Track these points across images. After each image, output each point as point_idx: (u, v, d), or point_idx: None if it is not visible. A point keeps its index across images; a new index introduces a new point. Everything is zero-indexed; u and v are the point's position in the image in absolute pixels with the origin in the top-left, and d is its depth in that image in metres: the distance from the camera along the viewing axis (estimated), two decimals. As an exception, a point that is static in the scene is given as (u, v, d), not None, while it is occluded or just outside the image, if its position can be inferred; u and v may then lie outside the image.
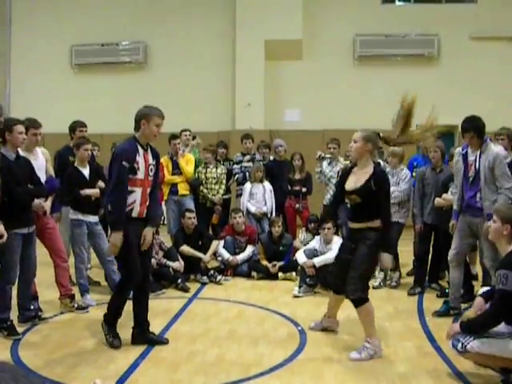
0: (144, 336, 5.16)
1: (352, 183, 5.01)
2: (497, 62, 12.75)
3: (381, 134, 5.20)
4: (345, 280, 4.96)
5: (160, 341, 5.19)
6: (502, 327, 4.14)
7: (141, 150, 4.94)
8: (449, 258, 6.02)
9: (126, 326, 5.23)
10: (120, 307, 5.13)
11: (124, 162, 4.78)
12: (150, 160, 5.05)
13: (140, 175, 4.92)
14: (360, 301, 4.85)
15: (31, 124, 5.71)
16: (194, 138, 9.57)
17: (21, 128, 5.35)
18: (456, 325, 4.37)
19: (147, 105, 5.14)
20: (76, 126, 7.21)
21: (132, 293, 5.20)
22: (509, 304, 4.01)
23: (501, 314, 4.08)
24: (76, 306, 6.16)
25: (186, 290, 7.17)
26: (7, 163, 5.21)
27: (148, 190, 5.04)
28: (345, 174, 5.22)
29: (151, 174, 5.06)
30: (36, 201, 5.63)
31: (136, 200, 4.93)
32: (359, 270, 4.85)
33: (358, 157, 5.06)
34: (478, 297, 4.56)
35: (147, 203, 5.05)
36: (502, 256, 4.40)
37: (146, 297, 5.28)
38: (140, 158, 4.91)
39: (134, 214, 4.95)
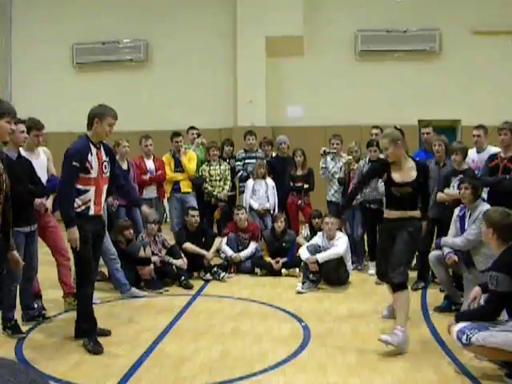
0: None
1: (400, 177, 5.20)
2: (498, 57, 12.72)
3: (398, 126, 5.36)
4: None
5: (103, 332, 5.21)
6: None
7: (93, 149, 4.96)
8: (429, 259, 6.22)
9: (127, 323, 5.25)
10: (88, 307, 5.10)
11: (74, 162, 4.82)
12: (104, 157, 5.07)
13: (93, 174, 4.94)
14: (401, 285, 4.99)
15: (34, 125, 5.72)
16: (198, 135, 9.58)
17: (22, 127, 5.37)
18: (478, 289, 4.54)
19: (102, 104, 5.15)
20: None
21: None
22: (501, 302, 4.20)
23: (493, 312, 4.24)
24: None
25: (189, 287, 7.18)
26: (9, 162, 5.21)
27: (104, 188, 5.08)
28: (383, 168, 5.39)
29: (105, 170, 5.08)
30: (37, 199, 5.65)
31: (91, 198, 4.96)
32: (401, 257, 5.03)
33: (396, 159, 5.22)
34: (476, 286, 4.61)
35: (103, 201, 5.13)
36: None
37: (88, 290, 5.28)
38: (92, 157, 4.93)
39: (91, 212, 4.99)
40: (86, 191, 4.92)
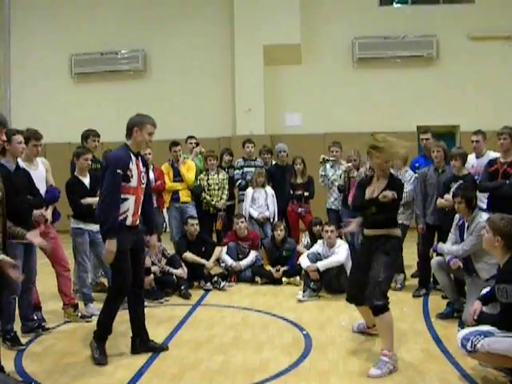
0: (145, 345, 5.13)
1: (368, 193, 5.02)
2: (496, 62, 12.76)
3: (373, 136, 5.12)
4: (363, 291, 4.82)
5: (161, 348, 5.18)
6: None
7: (133, 158, 4.93)
8: (432, 265, 6.17)
9: (127, 335, 5.21)
10: (111, 319, 5.02)
11: (118, 170, 4.76)
12: (141, 167, 5.05)
13: (133, 183, 4.90)
14: (380, 308, 4.66)
15: (32, 135, 5.70)
16: (197, 144, 9.56)
17: (20, 138, 5.36)
18: (477, 303, 4.46)
19: (140, 113, 5.14)
20: (89, 135, 7.18)
21: (128, 302, 5.16)
22: None
23: (509, 324, 4.10)
24: (80, 314, 6.14)
25: (187, 296, 7.14)
26: (7, 173, 5.20)
27: (141, 198, 5.03)
28: (364, 183, 5.22)
29: (143, 181, 5.05)
30: (37, 211, 5.62)
31: (129, 208, 4.90)
32: (379, 277, 4.72)
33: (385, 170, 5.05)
34: (476, 300, 4.55)
35: (139, 211, 5.04)
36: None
37: (142, 305, 5.27)
38: (133, 166, 4.90)
39: (128, 222, 4.91)
40: (126, 200, 4.86)
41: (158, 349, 5.13)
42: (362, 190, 5.13)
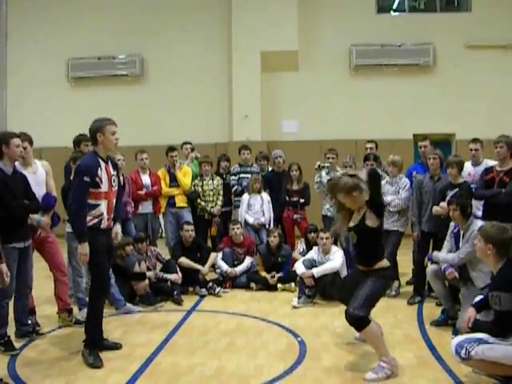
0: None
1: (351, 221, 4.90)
2: (492, 71, 12.81)
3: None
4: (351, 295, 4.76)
5: (114, 346, 5.32)
6: None
7: (102, 164, 5.03)
8: (427, 273, 6.18)
9: (121, 339, 5.21)
10: (98, 320, 5.18)
11: (85, 178, 4.88)
12: (112, 171, 5.14)
13: (104, 188, 5.01)
14: (361, 322, 4.58)
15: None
16: (192, 150, 9.58)
17: (18, 141, 5.37)
18: (472, 310, 4.45)
19: (97, 118, 5.20)
20: (81, 140, 7.18)
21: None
22: (510, 321, 4.10)
23: (502, 332, 4.12)
24: (74, 320, 6.12)
25: (179, 302, 7.12)
26: (4, 177, 5.20)
27: (113, 201, 5.17)
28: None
29: (114, 184, 5.15)
30: (46, 219, 5.69)
31: (103, 212, 5.04)
32: (366, 291, 4.63)
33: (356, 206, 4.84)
34: (470, 307, 4.55)
35: (113, 214, 5.18)
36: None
37: (102, 303, 5.37)
38: (102, 172, 5.00)
39: (103, 225, 5.06)
40: (98, 205, 4.99)
41: (110, 347, 5.27)
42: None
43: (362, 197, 4.69)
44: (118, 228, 5.42)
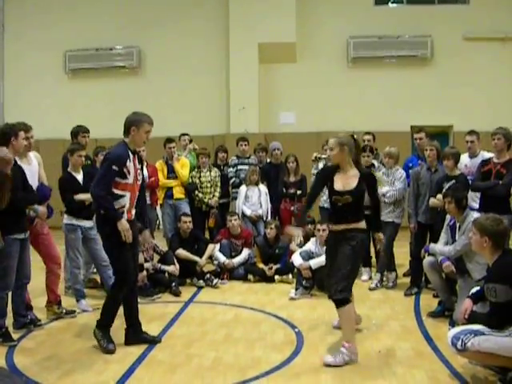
0: (137, 336, 5.22)
1: (340, 185, 5.00)
2: (490, 63, 12.81)
3: (355, 136, 5.16)
4: None
5: (153, 340, 5.27)
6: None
7: (131, 155, 5.02)
8: (424, 265, 6.19)
9: (120, 330, 5.22)
10: (115, 310, 5.14)
11: (114, 166, 4.85)
12: (138, 165, 5.13)
13: (130, 180, 4.99)
14: (342, 301, 4.77)
15: (22, 127, 5.67)
16: (190, 141, 9.57)
17: (23, 134, 5.40)
18: (468, 301, 4.46)
19: (136, 111, 5.21)
20: (79, 132, 7.18)
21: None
22: (505, 313, 4.11)
23: (498, 324, 4.12)
24: (64, 311, 6.13)
25: (177, 294, 7.14)
26: (10, 176, 5.18)
27: (136, 194, 5.14)
28: (327, 174, 5.21)
29: (139, 178, 5.15)
30: (42, 208, 5.67)
31: (126, 204, 5.02)
32: (342, 271, 4.81)
33: (340, 162, 5.05)
34: (467, 298, 4.57)
35: (134, 207, 5.16)
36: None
37: (136, 297, 5.35)
38: (130, 163, 4.98)
39: (124, 217, 5.01)
40: (123, 196, 4.98)
41: (150, 340, 5.24)
42: (321, 182, 5.30)
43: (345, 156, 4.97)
44: (145, 235, 5.59)
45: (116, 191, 4.93)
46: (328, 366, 4.62)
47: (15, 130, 5.33)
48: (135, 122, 5.04)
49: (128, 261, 5.05)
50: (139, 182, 5.16)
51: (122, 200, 4.97)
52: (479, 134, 7.17)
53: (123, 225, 4.88)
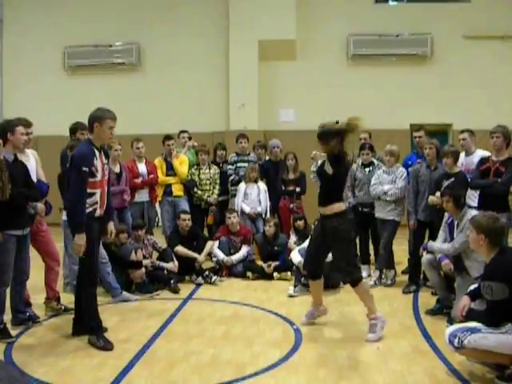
0: (85, 327, 5.26)
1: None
2: (490, 61, 12.78)
3: (339, 121, 5.58)
4: (320, 263, 5.55)
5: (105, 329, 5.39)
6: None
7: (97, 153, 5.04)
8: (422, 262, 6.27)
9: (118, 327, 5.23)
10: (95, 305, 5.23)
11: (84, 168, 4.88)
12: (104, 160, 5.16)
13: (99, 177, 5.04)
14: (356, 281, 5.29)
15: (21, 122, 5.67)
16: (189, 138, 9.56)
17: (22, 129, 5.38)
18: (466, 299, 4.50)
19: (100, 107, 5.21)
20: (77, 128, 7.14)
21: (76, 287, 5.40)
22: (501, 310, 4.12)
23: (494, 321, 4.14)
24: (63, 308, 6.13)
25: (176, 291, 7.14)
26: (5, 164, 5.18)
27: (106, 190, 5.20)
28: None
29: (106, 173, 5.20)
30: (40, 205, 5.67)
31: (97, 201, 5.08)
32: (344, 259, 5.29)
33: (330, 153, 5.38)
34: (464, 296, 4.58)
35: (105, 202, 5.23)
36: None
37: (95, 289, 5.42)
38: (97, 161, 5.01)
39: (97, 214, 5.11)
40: (94, 194, 5.02)
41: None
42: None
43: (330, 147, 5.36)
44: (111, 226, 5.54)
45: (87, 190, 4.96)
46: (373, 341, 5.11)
47: (12, 125, 5.32)
48: (98, 119, 5.04)
49: (97, 258, 5.25)
50: (106, 177, 5.21)
51: (94, 198, 5.03)
52: (473, 131, 7.20)
53: (80, 239, 4.91)
